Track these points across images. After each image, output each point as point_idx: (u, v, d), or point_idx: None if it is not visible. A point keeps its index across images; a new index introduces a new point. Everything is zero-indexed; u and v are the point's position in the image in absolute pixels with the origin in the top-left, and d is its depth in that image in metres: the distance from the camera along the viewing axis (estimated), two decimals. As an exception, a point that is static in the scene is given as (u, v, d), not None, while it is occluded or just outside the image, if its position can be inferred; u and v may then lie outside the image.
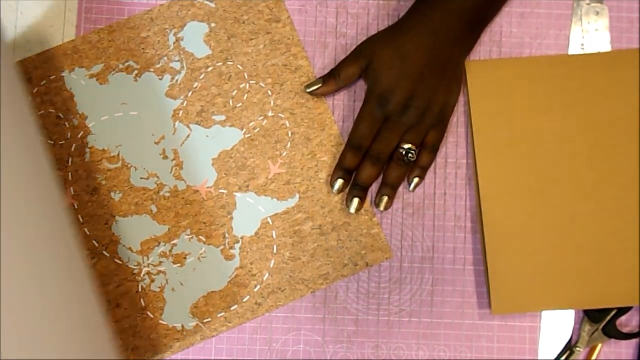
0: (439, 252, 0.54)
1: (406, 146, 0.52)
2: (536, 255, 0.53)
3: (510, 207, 0.53)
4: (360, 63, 0.53)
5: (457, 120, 0.55)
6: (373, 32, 0.56)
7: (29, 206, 0.43)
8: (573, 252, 0.53)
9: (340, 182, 0.52)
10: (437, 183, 0.55)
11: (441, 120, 0.53)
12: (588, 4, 0.57)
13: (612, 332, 0.53)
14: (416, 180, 0.53)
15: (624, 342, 0.54)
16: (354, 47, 0.55)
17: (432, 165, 0.55)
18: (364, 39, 0.55)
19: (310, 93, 0.54)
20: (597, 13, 0.57)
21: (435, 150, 0.53)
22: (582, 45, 0.57)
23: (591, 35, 0.57)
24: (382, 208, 0.53)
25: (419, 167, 0.53)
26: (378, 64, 0.52)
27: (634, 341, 0.54)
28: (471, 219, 0.54)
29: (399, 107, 0.51)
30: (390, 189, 0.53)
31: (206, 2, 0.55)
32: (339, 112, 0.55)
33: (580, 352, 0.53)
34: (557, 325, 0.54)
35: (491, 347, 0.53)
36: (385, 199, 0.53)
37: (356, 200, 0.52)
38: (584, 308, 0.53)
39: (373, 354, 0.53)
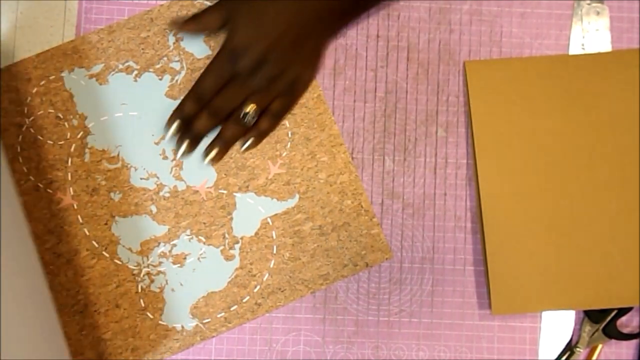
0: (439, 252, 0.54)
1: (247, 108, 0.51)
2: (536, 256, 0.53)
3: (510, 207, 0.53)
4: (222, 12, 0.52)
5: (457, 120, 0.55)
6: (373, 32, 0.56)
7: None
8: (573, 252, 0.53)
9: (176, 125, 0.51)
10: (437, 183, 0.55)
11: (291, 91, 0.52)
12: (588, 4, 0.57)
13: (613, 333, 0.53)
14: (250, 142, 0.52)
15: (624, 343, 0.54)
16: (354, 47, 0.55)
17: (432, 165, 0.55)
18: (364, 38, 0.56)
19: (170, 27, 0.54)
20: (598, 13, 0.57)
21: (277, 117, 0.53)
22: (582, 45, 0.57)
23: (591, 35, 0.57)
24: (207, 159, 0.52)
25: (257, 130, 0.52)
26: (236, 18, 0.51)
27: (634, 341, 0.54)
28: (471, 219, 0.54)
29: (248, 67, 0.50)
30: (222, 144, 0.52)
31: (206, 2, 0.55)
32: (339, 112, 0.55)
33: (581, 352, 0.53)
34: (557, 326, 0.54)
35: (491, 347, 0.53)
36: (215, 151, 0.52)
37: (185, 145, 0.51)
38: (584, 308, 0.53)
39: (373, 354, 0.53)
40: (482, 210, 0.53)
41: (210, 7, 0.53)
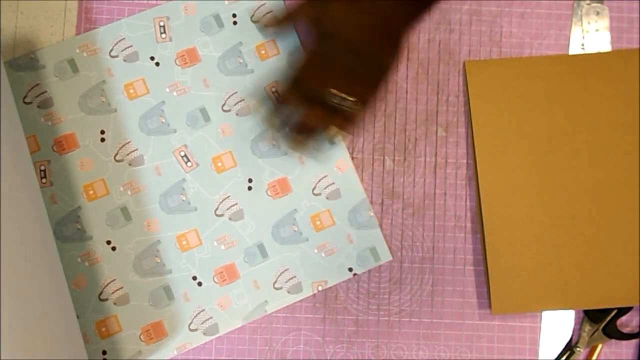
0: (439, 252, 0.54)
1: (335, 92, 0.50)
2: (536, 255, 0.53)
3: (510, 207, 0.53)
4: (314, 7, 0.52)
5: (457, 120, 0.55)
6: (373, 32, 0.56)
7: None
8: (573, 252, 0.53)
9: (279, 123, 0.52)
10: (437, 183, 0.55)
11: (376, 79, 0.52)
12: (588, 4, 0.57)
13: (612, 332, 0.53)
14: (335, 128, 0.51)
15: (624, 342, 0.54)
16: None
17: (432, 165, 0.55)
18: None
19: (266, 25, 0.54)
20: (597, 13, 0.57)
21: (364, 104, 0.51)
22: (582, 45, 0.57)
23: (591, 35, 0.57)
24: (294, 144, 0.52)
25: (345, 117, 0.51)
26: (334, 10, 0.50)
27: (634, 341, 0.54)
28: (471, 219, 0.54)
29: (337, 51, 0.50)
30: (309, 130, 0.51)
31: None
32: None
33: (580, 352, 0.53)
34: (557, 325, 0.54)
35: (491, 347, 0.53)
36: (301, 137, 0.51)
37: (297, 140, 0.51)
38: (584, 308, 0.53)
39: (373, 354, 0.53)
40: (482, 210, 0.53)
41: (303, 3, 0.53)
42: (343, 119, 0.50)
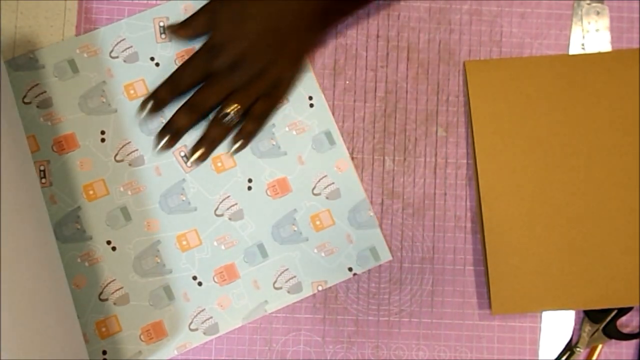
0: (439, 252, 0.54)
1: (228, 108, 0.51)
2: (536, 255, 0.53)
3: (510, 207, 0.53)
4: (207, 14, 0.52)
5: (457, 120, 0.55)
6: (373, 32, 0.56)
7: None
8: (573, 252, 0.53)
9: (150, 105, 0.52)
10: (437, 183, 0.55)
11: (274, 91, 0.52)
12: (588, 4, 0.57)
13: (612, 333, 0.53)
14: (237, 144, 0.53)
15: (624, 343, 0.54)
16: (354, 47, 0.55)
17: (432, 165, 0.55)
18: (364, 38, 0.56)
19: (168, 32, 0.54)
20: (597, 13, 0.57)
21: (260, 119, 0.53)
22: (582, 45, 0.57)
23: (591, 35, 0.57)
24: (192, 159, 0.52)
25: (243, 132, 0.53)
26: (219, 16, 0.51)
27: (634, 341, 0.54)
28: (471, 219, 0.54)
29: (224, 64, 0.50)
30: (207, 144, 0.52)
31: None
32: (339, 112, 0.55)
33: (581, 352, 0.53)
34: (557, 325, 0.54)
35: (491, 347, 0.53)
36: (200, 151, 0.52)
37: (165, 140, 0.52)
38: (584, 308, 0.53)
39: (373, 354, 0.53)
40: (482, 210, 0.53)
41: (197, 12, 0.53)
42: (243, 134, 0.52)
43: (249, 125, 0.53)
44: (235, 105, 0.51)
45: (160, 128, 0.53)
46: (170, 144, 0.53)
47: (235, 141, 0.53)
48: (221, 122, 0.52)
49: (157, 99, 0.52)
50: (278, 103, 0.54)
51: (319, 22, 0.53)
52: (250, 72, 0.51)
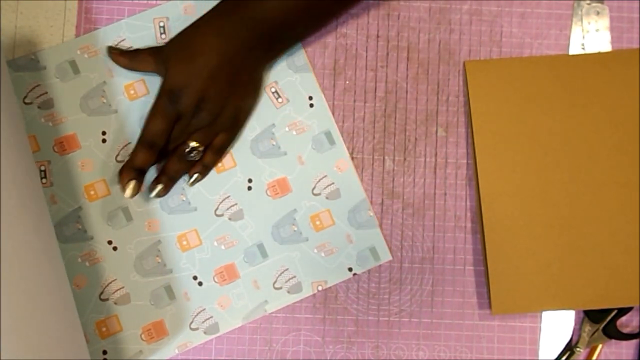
0: (439, 252, 0.54)
1: (192, 144, 0.51)
2: (536, 255, 0.53)
3: (510, 207, 0.53)
4: (155, 57, 0.52)
5: (457, 120, 0.55)
6: (373, 32, 0.56)
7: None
8: (573, 252, 0.53)
9: (133, 184, 0.49)
10: (437, 183, 0.55)
11: (234, 124, 0.52)
12: (588, 4, 0.57)
13: (612, 333, 0.53)
14: (196, 176, 0.52)
15: (624, 343, 0.54)
16: (354, 47, 0.55)
17: (432, 165, 0.55)
18: (364, 38, 0.56)
19: (107, 52, 0.54)
20: (597, 13, 0.57)
21: (221, 151, 0.53)
22: (582, 45, 0.57)
23: (591, 35, 0.57)
24: (153, 194, 0.51)
25: (202, 164, 0.52)
26: (168, 57, 0.50)
27: (634, 341, 0.54)
28: (471, 219, 0.54)
29: (190, 107, 0.49)
30: (167, 179, 0.52)
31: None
32: (339, 112, 0.55)
33: (581, 352, 0.53)
34: (557, 325, 0.54)
35: (491, 347, 0.53)
36: (160, 187, 0.51)
37: (132, 183, 0.49)
38: (584, 308, 0.53)
39: (373, 354, 0.53)
40: (482, 210, 0.53)
41: (146, 49, 0.53)
42: (201, 166, 0.52)
43: (209, 157, 0.52)
44: (197, 144, 0.51)
45: (119, 171, 0.51)
46: (125, 182, 0.50)
47: (193, 173, 0.52)
48: (183, 158, 0.51)
49: (136, 166, 0.50)
50: (237, 133, 0.53)
51: (267, 50, 0.52)
52: (212, 112, 0.50)
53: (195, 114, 0.50)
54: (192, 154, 0.51)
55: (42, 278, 0.44)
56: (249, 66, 0.51)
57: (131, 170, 0.50)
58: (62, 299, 0.46)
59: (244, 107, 0.53)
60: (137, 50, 0.53)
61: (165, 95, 0.50)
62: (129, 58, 0.53)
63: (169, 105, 0.50)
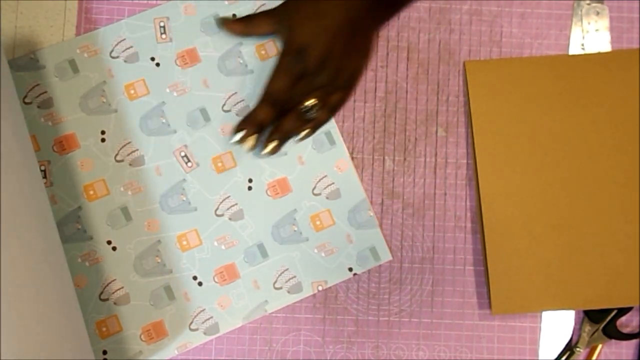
0: (439, 252, 0.54)
1: (309, 102, 0.51)
2: (536, 255, 0.53)
3: (510, 207, 0.53)
4: (275, 18, 0.52)
5: (457, 120, 0.55)
6: (373, 32, 0.56)
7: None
8: (573, 252, 0.53)
9: (254, 138, 0.51)
10: (437, 183, 0.55)
11: (350, 83, 0.53)
12: (588, 4, 0.57)
13: (612, 333, 0.53)
14: (305, 132, 0.53)
15: (624, 343, 0.54)
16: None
17: (432, 165, 0.55)
18: (365, 38, 0.56)
19: (218, 23, 0.54)
20: (597, 13, 0.57)
21: (335, 110, 0.53)
22: (582, 45, 0.57)
23: (591, 35, 0.57)
24: (266, 150, 0.52)
25: (315, 121, 0.53)
26: (292, 19, 0.51)
27: (634, 341, 0.54)
28: (471, 219, 0.54)
29: (315, 64, 0.50)
30: (282, 136, 0.52)
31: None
32: (339, 112, 0.55)
33: (581, 352, 0.53)
34: (557, 325, 0.54)
35: (491, 347, 0.53)
36: (274, 143, 0.52)
37: (245, 131, 0.51)
38: (584, 308, 0.53)
39: (373, 354, 0.53)
40: (482, 210, 0.53)
41: (260, 13, 0.54)
42: (314, 123, 0.53)
43: (323, 115, 0.53)
44: (316, 100, 0.51)
45: (240, 120, 0.52)
46: (247, 136, 0.51)
47: (305, 129, 0.53)
48: (301, 116, 0.52)
49: (258, 121, 0.51)
50: (351, 94, 0.54)
51: (384, 11, 0.54)
52: (336, 68, 0.51)
53: (319, 72, 0.51)
54: (310, 112, 0.51)
55: (46, 277, 0.44)
56: (368, 27, 0.52)
57: (253, 125, 0.51)
58: (66, 298, 0.46)
59: (359, 68, 0.53)
60: (250, 16, 0.54)
61: (291, 53, 0.51)
62: (244, 24, 0.54)
63: (294, 62, 0.51)
